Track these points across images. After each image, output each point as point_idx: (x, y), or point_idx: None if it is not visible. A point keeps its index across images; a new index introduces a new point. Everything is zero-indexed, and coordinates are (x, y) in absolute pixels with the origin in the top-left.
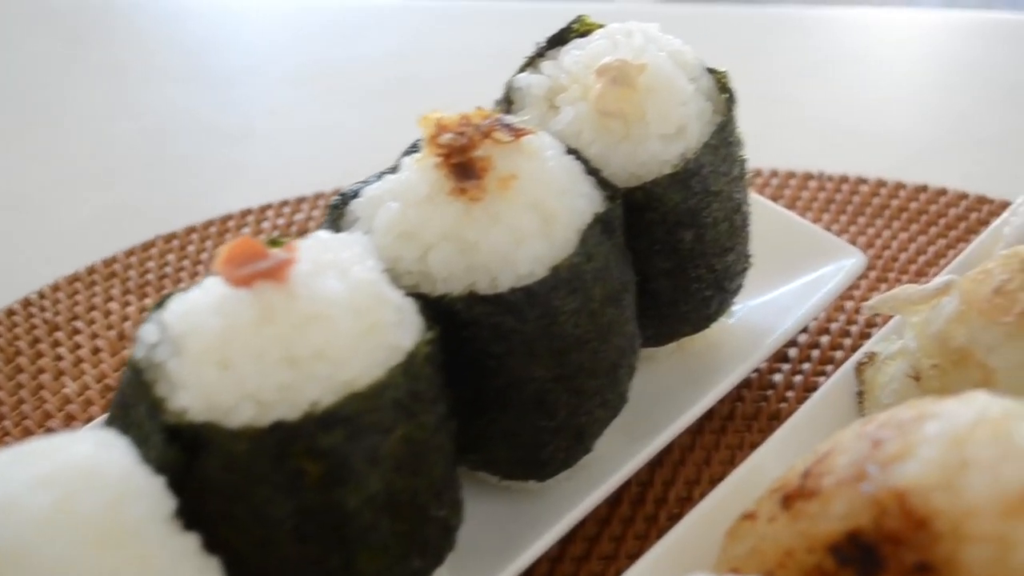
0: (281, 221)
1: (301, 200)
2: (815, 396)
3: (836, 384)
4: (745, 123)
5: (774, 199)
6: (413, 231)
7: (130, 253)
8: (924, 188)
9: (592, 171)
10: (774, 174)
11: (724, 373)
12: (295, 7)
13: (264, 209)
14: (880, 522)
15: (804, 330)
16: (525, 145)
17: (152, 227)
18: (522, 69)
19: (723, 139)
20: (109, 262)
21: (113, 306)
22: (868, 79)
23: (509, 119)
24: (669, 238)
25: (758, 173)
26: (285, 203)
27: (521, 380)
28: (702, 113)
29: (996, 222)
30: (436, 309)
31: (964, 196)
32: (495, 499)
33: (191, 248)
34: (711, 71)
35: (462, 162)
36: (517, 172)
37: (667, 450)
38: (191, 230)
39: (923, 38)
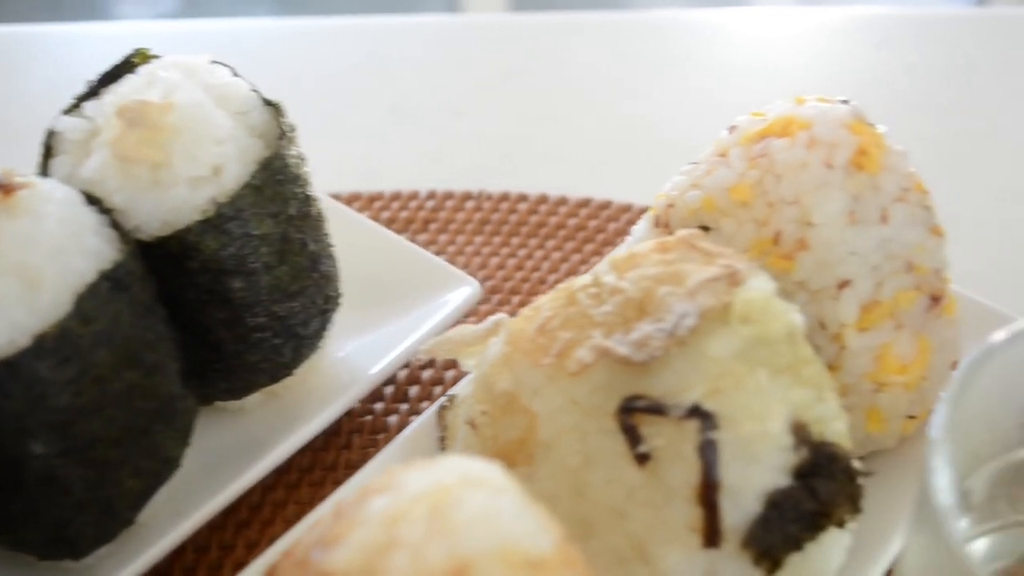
0: None
1: None
2: (392, 444)
3: (421, 429)
4: (420, 140)
5: (426, 223)
6: None
7: None
8: (587, 202)
9: (113, 223)
10: (431, 196)
11: (306, 421)
12: None
13: None
14: None
15: (431, 365)
16: (19, 202)
17: None
18: (67, 110)
19: (270, 177)
20: None
21: None
22: (549, 89)
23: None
24: (217, 287)
25: (414, 195)
26: None
27: (21, 458)
28: (246, 151)
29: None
30: None
31: (627, 208)
32: None
33: None
34: (268, 104)
35: None
36: None
37: (234, 510)
38: None
39: (603, 43)
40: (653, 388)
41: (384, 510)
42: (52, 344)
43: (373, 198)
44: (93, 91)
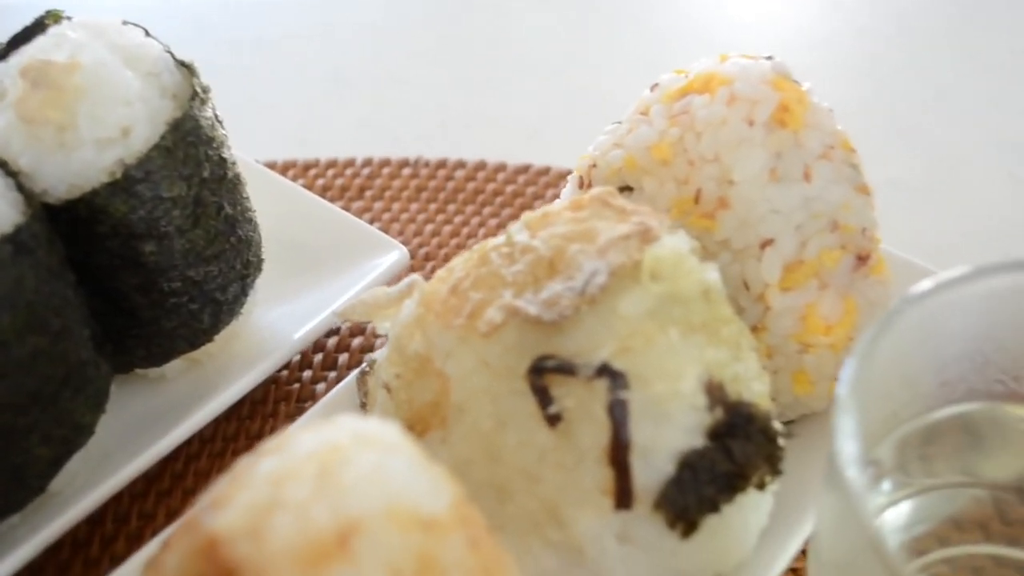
0: None
1: None
2: (312, 410)
3: (342, 395)
4: (357, 107)
5: (362, 190)
6: None
7: None
8: (526, 168)
9: (19, 185)
10: (367, 163)
11: (227, 387)
12: None
13: None
14: None
15: (361, 332)
16: None
17: None
18: None
19: (181, 139)
20: None
21: None
22: (488, 55)
23: None
24: (128, 252)
25: (350, 163)
26: None
27: None
28: (156, 112)
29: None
30: None
31: (567, 174)
32: None
33: None
34: (181, 64)
35: None
36: None
37: (156, 479)
38: None
39: (543, 8)
40: (564, 348)
41: (272, 470)
42: None
43: (308, 165)
44: (2, 53)
